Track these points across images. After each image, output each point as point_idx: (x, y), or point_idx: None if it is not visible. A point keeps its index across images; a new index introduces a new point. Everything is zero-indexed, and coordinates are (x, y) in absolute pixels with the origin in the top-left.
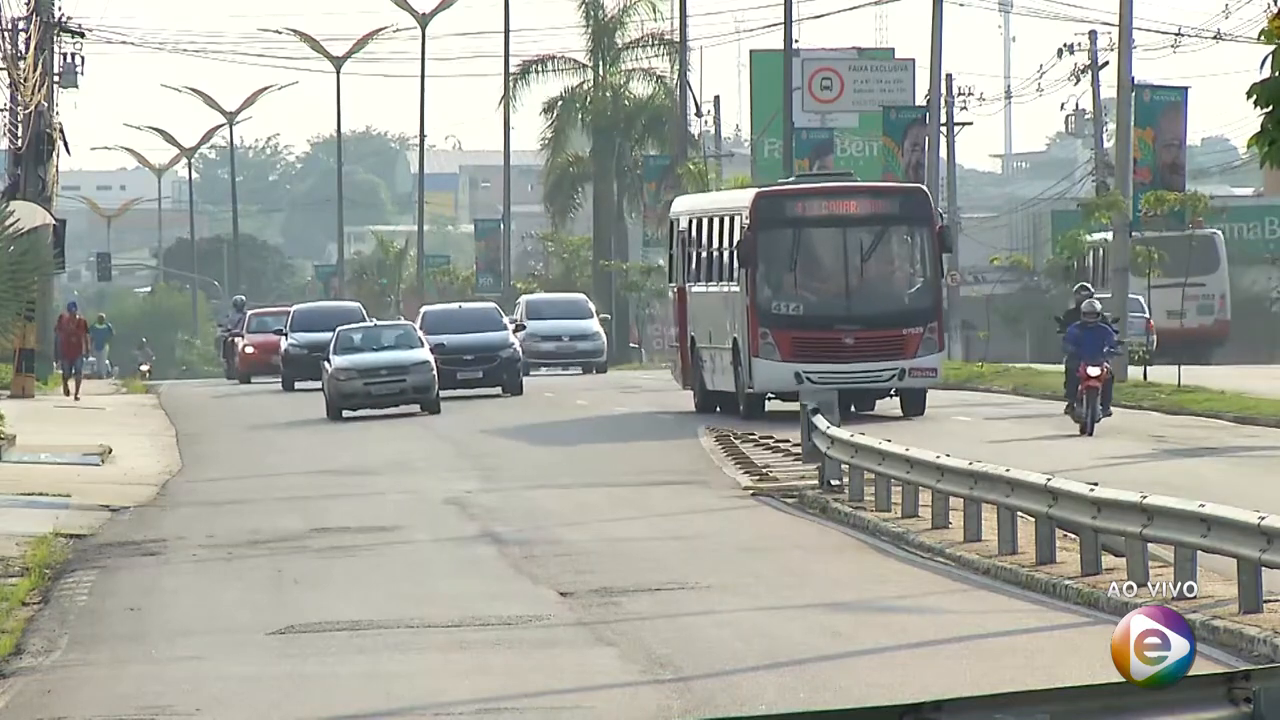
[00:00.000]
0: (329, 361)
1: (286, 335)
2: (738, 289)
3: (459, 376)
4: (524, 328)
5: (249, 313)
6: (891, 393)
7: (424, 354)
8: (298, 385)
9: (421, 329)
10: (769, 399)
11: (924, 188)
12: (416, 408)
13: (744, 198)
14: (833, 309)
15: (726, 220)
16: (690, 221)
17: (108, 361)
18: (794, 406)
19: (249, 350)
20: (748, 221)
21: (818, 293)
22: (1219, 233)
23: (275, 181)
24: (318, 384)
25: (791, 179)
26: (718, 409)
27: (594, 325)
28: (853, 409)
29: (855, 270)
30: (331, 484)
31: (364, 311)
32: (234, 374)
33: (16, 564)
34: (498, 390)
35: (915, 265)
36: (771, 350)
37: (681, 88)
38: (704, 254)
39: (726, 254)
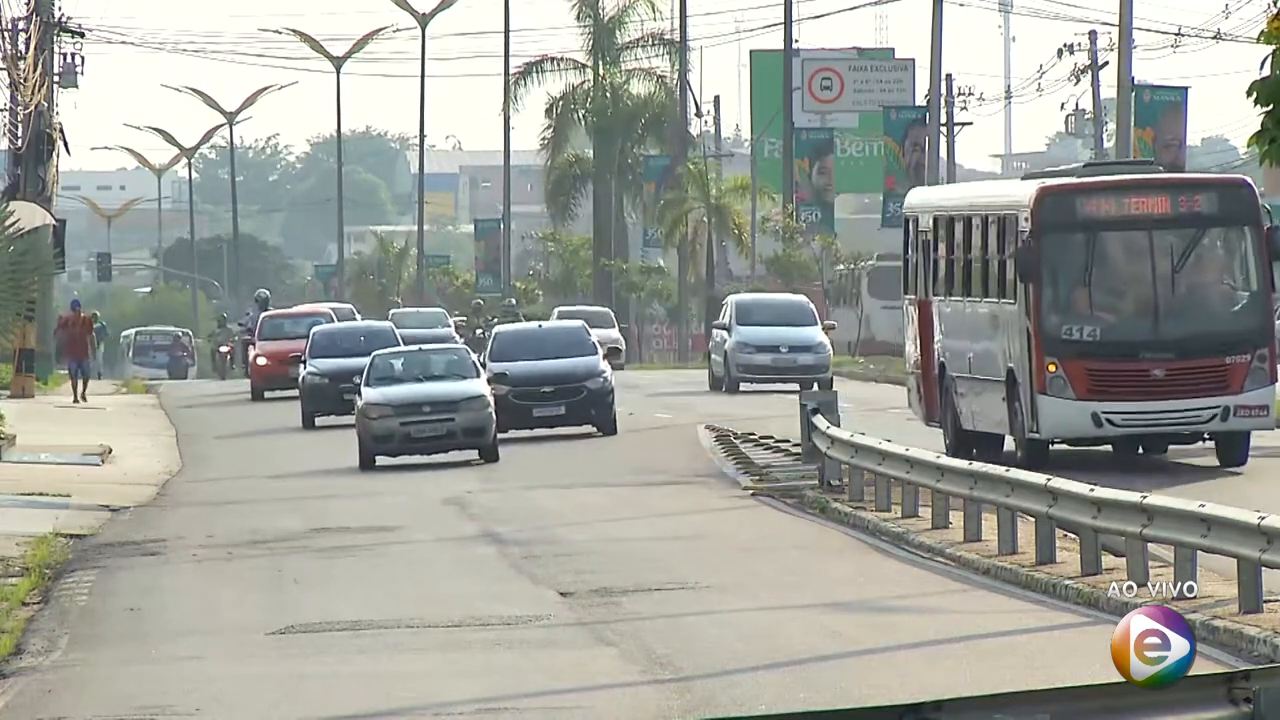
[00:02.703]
0: (360, 394)
1: (305, 362)
2: (1013, 307)
3: (536, 413)
4: (731, 333)
5: (261, 316)
6: (1205, 436)
7: (478, 386)
8: (319, 421)
9: (491, 354)
10: (1054, 444)
11: (1249, 179)
12: (469, 454)
13: (1020, 193)
14: (1138, 333)
15: (993, 221)
16: (935, 220)
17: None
18: (1085, 451)
19: (261, 361)
20: (1028, 224)
21: (1119, 313)
22: None
23: (275, 181)
24: (342, 419)
25: (1078, 167)
26: (974, 451)
27: (818, 334)
28: (1140, 451)
29: (1165, 284)
30: (331, 484)
31: (395, 333)
32: (225, 376)
33: (16, 564)
34: (588, 429)
35: (1239, 276)
36: (1063, 386)
37: (681, 88)
38: (958, 260)
39: (994, 262)
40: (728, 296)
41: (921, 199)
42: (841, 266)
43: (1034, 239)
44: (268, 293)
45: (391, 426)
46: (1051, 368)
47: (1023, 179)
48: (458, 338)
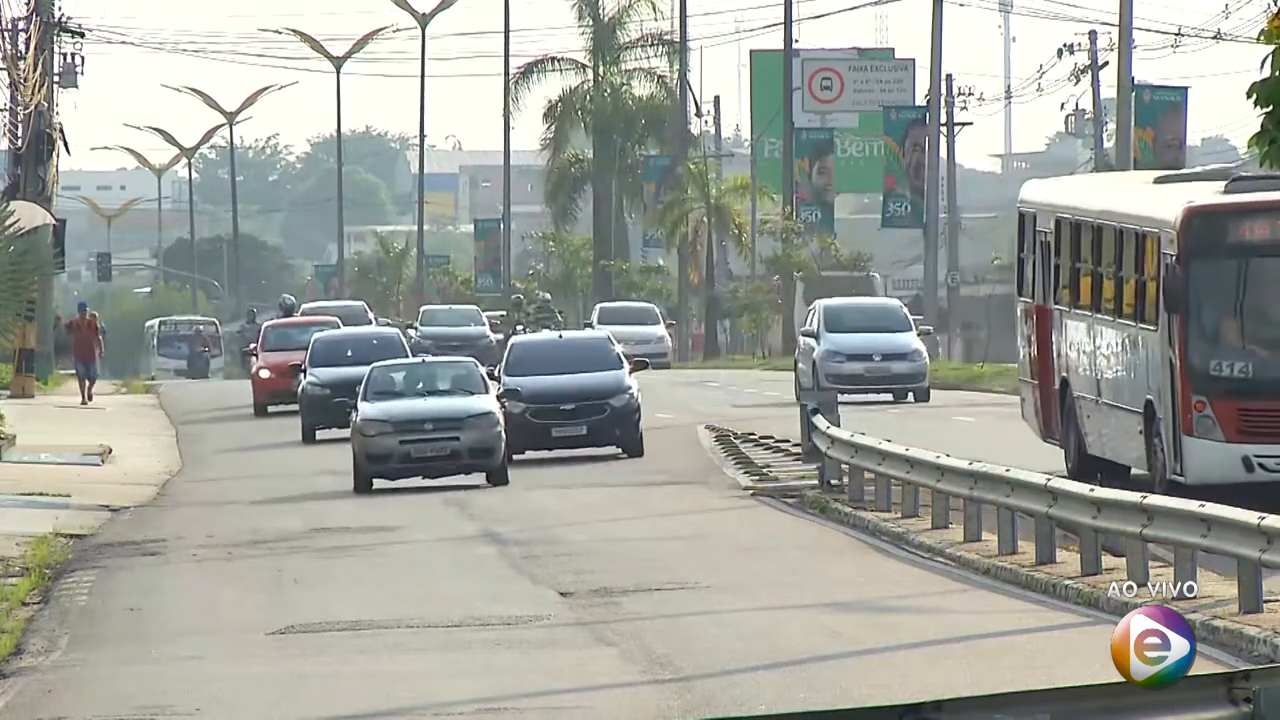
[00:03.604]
0: (356, 409)
1: (305, 371)
2: (1153, 334)
3: (555, 433)
4: (819, 340)
5: (264, 325)
6: None
7: (486, 403)
8: (319, 435)
9: (506, 367)
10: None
11: None
12: (474, 477)
13: (1163, 211)
14: None
15: (1131, 237)
16: (1058, 223)
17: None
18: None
19: (264, 374)
20: (1173, 248)
21: (1274, 348)
22: (876, 275)
23: (275, 181)
24: (345, 432)
25: (1215, 170)
26: (1099, 477)
27: (913, 340)
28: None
29: None
30: (331, 484)
31: (402, 340)
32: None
33: (16, 564)
34: (612, 450)
35: None
36: (1211, 427)
37: (681, 88)
38: (1084, 270)
39: (1130, 281)
40: (815, 301)
41: (1041, 196)
42: (778, 277)
43: (1181, 266)
44: (293, 299)
45: (390, 445)
46: (1199, 406)
47: (1155, 181)
48: (493, 336)
